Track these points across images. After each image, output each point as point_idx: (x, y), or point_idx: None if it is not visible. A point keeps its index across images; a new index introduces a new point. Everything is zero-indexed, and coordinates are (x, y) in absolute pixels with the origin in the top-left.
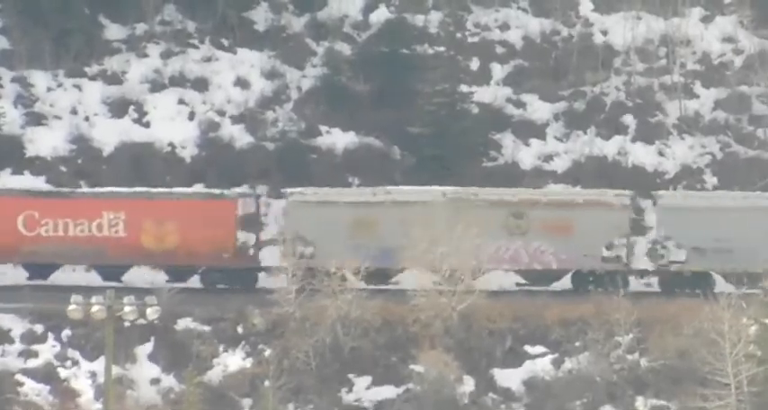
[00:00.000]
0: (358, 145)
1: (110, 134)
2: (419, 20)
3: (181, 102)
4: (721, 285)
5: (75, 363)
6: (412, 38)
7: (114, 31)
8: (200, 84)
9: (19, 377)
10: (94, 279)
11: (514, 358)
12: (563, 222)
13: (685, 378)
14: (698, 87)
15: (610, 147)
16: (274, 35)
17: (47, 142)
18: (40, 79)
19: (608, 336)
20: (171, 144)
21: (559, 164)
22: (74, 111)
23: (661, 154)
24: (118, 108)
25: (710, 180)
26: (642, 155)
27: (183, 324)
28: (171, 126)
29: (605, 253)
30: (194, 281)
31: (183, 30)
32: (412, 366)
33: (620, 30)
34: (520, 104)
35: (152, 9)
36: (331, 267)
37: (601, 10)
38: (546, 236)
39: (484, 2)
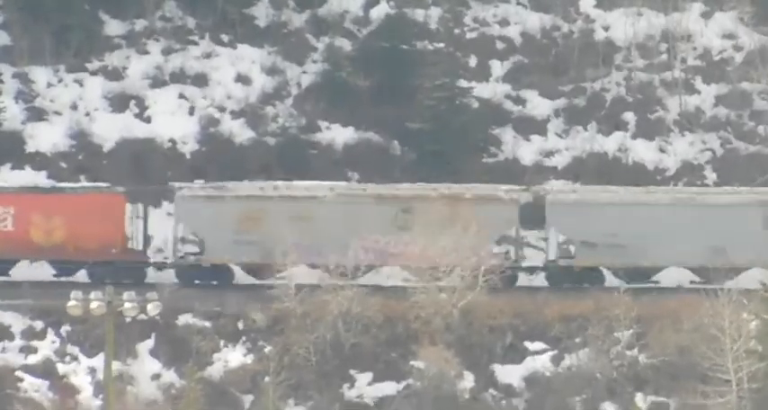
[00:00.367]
0: (358, 140)
1: (110, 130)
2: (419, 15)
3: (181, 97)
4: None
5: (75, 359)
6: (412, 33)
7: (114, 27)
8: (201, 80)
9: (19, 373)
10: None
11: (514, 354)
12: (451, 217)
13: (685, 374)
14: (699, 83)
15: (610, 143)
16: (275, 31)
17: (47, 137)
18: (40, 75)
19: (608, 332)
20: (171, 139)
21: (560, 161)
22: (74, 107)
23: (662, 150)
24: (118, 104)
25: (711, 176)
26: (643, 151)
27: (184, 319)
28: (171, 121)
29: (495, 248)
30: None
31: (184, 26)
32: (412, 362)
33: (620, 25)
34: (520, 101)
35: (152, 5)
36: (217, 262)
37: (601, 6)
38: (434, 232)
39: None
